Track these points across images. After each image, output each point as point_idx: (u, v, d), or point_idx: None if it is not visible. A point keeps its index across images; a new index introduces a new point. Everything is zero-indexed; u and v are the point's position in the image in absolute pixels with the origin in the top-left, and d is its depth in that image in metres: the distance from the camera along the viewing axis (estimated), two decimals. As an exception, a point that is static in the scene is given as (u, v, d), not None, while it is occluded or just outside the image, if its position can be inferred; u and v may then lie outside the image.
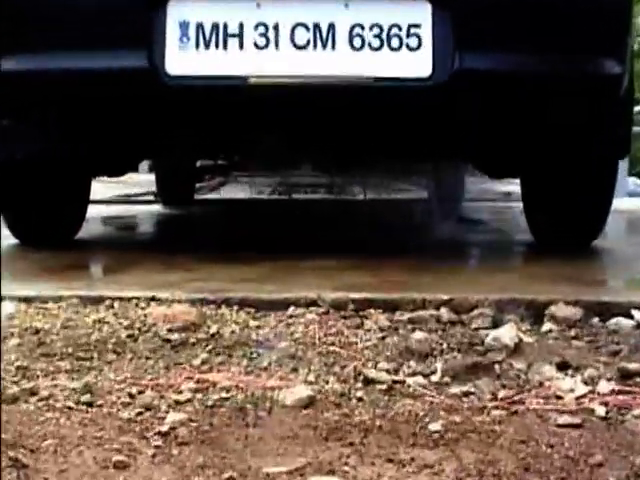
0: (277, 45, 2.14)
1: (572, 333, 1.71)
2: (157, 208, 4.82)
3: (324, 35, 2.13)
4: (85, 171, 2.87)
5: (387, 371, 1.49)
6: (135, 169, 3.46)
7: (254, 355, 1.57)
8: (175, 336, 1.63)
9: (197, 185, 5.49)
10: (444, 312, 1.78)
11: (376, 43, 2.13)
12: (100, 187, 4.59)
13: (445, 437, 1.23)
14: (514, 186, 4.37)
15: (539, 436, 1.23)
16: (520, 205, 3.09)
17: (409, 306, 1.81)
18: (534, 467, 1.12)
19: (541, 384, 1.45)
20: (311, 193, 6.06)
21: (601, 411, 1.32)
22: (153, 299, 1.82)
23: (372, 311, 1.80)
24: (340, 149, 2.80)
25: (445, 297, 1.83)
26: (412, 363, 1.54)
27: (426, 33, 2.11)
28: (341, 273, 2.20)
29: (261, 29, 2.13)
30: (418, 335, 1.66)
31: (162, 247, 2.96)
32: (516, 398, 1.38)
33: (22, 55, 2.20)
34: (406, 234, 3.33)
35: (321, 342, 1.62)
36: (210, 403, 1.35)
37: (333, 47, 2.13)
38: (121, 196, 5.50)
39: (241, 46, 2.14)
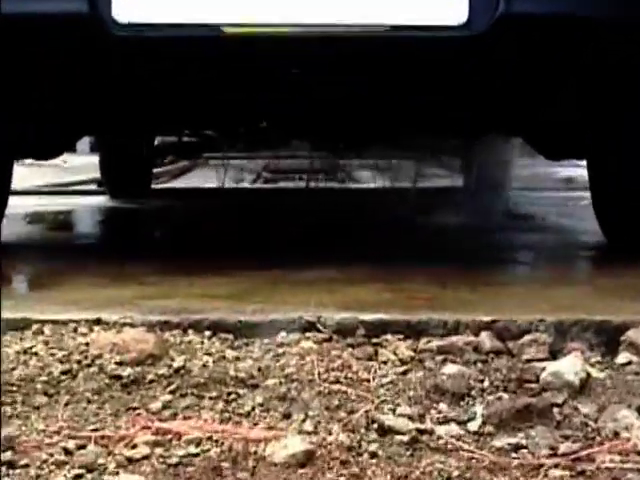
0: (261, -18, 2.14)
1: (657, 366, 1.71)
2: (102, 201, 4.82)
3: (325, -31, 2.13)
4: (5, 151, 2.86)
5: (410, 417, 1.49)
6: (72, 149, 3.46)
7: (232, 396, 1.57)
8: (127, 372, 1.63)
9: (155, 170, 5.49)
10: (485, 338, 1.78)
11: (394, -21, 2.13)
12: (26, 172, 4.59)
13: (488, 505, 1.24)
14: (578, 169, 4.37)
15: (614, 504, 1.24)
16: (587, 195, 3.09)
17: (439, 330, 1.81)
18: None
19: (616, 434, 1.45)
20: (308, 181, 6.06)
21: (697, 470, 1.32)
22: (97, 322, 1.82)
23: (389, 337, 1.80)
24: (347, 122, 2.79)
25: (486, 318, 1.83)
26: (443, 406, 1.54)
27: (460, -34, 2.12)
28: (348, 287, 2.20)
29: (240, -39, 2.13)
30: (451, 369, 1.66)
31: (109, 253, 2.96)
32: (583, 453, 1.38)
33: None
34: (435, 235, 3.34)
35: (321, 379, 1.62)
36: (174, 461, 1.35)
37: (337, -15, 2.13)
38: (54, 185, 5.51)
39: (213, -16, 2.14)
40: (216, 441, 1.41)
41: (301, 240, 3.17)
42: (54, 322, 1.82)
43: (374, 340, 1.79)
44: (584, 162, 3.07)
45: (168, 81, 2.37)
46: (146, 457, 1.36)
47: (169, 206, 4.72)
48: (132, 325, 1.80)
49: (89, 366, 1.66)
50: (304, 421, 1.48)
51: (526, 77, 2.32)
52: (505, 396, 1.57)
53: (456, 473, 1.32)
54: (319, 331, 1.81)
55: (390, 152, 4.94)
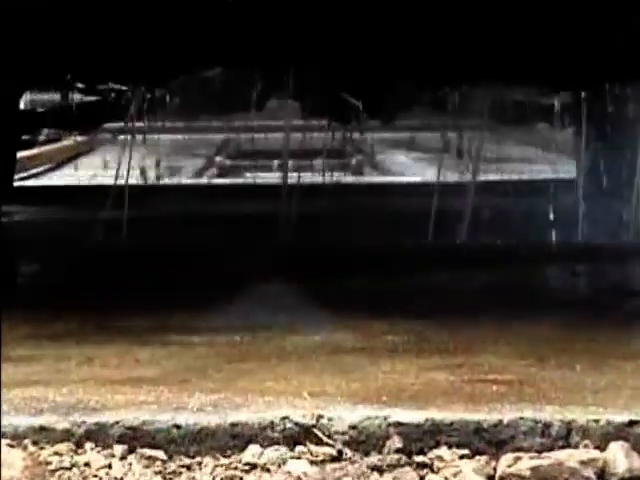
0: None
1: None
2: None
3: None
4: None
5: None
6: None
7: None
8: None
9: (22, 155, 5.53)
10: (618, 453, 1.78)
11: None
12: None
13: None
14: None
15: None
16: None
17: (534, 440, 1.82)
18: None
19: None
20: (296, 170, 6.09)
21: None
22: None
23: (446, 453, 1.81)
24: (366, 63, 2.82)
25: (620, 418, 1.83)
26: None
27: None
28: (370, 361, 2.23)
29: None
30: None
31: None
32: None
33: None
34: (524, 268, 3.39)
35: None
36: None
37: None
38: None
39: None
40: None
41: (285, 278, 3.19)
42: None
43: (418, 458, 1.80)
44: None
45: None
46: None
47: (47, 219, 4.75)
48: (-15, 437, 1.80)
49: None
50: None
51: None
52: None
53: None
54: (320, 443, 1.81)
55: (442, 117, 4.97)
